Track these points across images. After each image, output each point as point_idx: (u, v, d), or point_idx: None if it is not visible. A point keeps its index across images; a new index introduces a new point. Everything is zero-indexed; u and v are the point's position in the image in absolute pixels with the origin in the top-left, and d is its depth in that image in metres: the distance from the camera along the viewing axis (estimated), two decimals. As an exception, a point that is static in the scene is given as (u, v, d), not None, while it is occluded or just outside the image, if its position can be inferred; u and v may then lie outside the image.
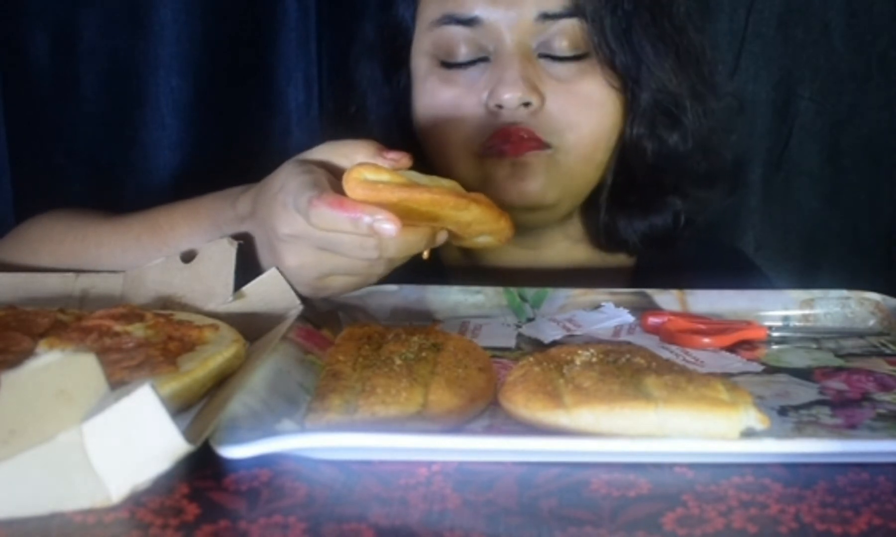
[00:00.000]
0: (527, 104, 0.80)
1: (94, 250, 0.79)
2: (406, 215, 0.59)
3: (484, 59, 0.83)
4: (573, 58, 0.83)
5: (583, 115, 0.83)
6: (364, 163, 0.61)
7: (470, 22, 0.82)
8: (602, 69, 0.83)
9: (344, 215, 0.58)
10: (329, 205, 0.58)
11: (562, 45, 0.82)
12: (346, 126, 0.93)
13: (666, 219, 0.91)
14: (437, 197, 0.60)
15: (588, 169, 0.86)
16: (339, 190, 0.61)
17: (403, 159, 0.65)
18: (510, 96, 0.80)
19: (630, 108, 0.86)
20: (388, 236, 0.57)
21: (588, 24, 0.81)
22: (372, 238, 0.59)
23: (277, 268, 0.68)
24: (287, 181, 0.64)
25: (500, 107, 0.81)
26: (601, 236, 0.92)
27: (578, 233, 0.94)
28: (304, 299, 0.69)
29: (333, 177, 0.64)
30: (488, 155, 0.82)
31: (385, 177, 0.59)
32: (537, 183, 0.82)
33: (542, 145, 0.82)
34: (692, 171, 0.90)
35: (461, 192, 0.63)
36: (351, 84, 0.95)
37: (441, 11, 0.84)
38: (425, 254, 0.66)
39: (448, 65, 0.84)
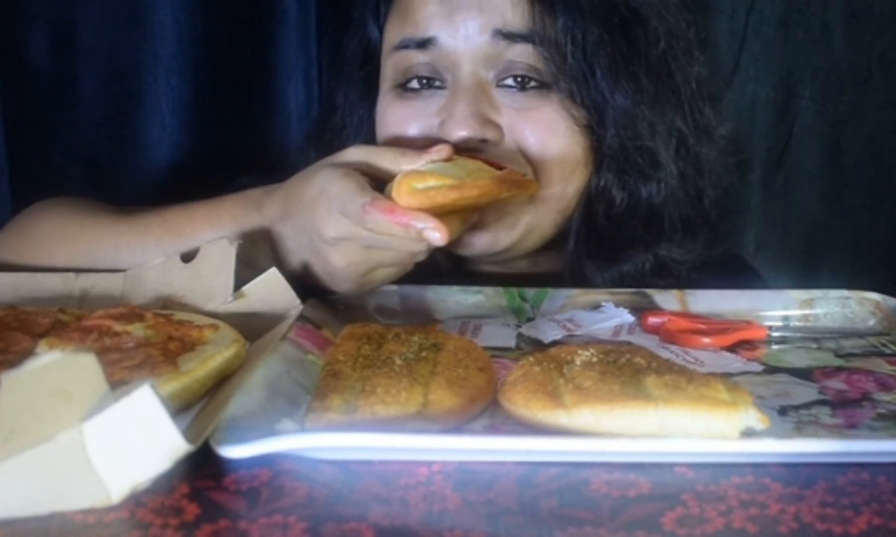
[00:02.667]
0: (483, 141, 0.77)
1: (111, 252, 0.78)
2: (450, 206, 0.64)
3: (441, 87, 0.81)
4: (532, 88, 0.78)
5: (546, 141, 0.78)
6: (408, 174, 0.65)
7: (426, 43, 0.80)
8: (562, 103, 0.78)
9: (396, 221, 0.62)
10: (382, 211, 0.62)
11: (519, 73, 0.78)
12: (331, 141, 0.89)
13: (637, 267, 0.84)
14: (485, 189, 0.64)
15: (549, 207, 0.80)
16: (378, 191, 0.65)
17: (444, 150, 0.69)
18: (458, 134, 0.76)
19: (597, 151, 0.80)
20: (435, 242, 0.62)
21: (547, 53, 0.78)
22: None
23: (316, 269, 0.70)
24: (328, 185, 0.66)
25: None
26: (568, 280, 0.84)
27: (557, 264, 0.89)
28: (303, 299, 0.69)
29: (370, 178, 0.67)
30: None
31: (432, 182, 0.64)
32: (487, 220, 0.78)
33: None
34: (668, 223, 0.83)
35: (503, 178, 0.67)
36: (334, 103, 0.93)
37: (400, 36, 0.82)
38: None
39: (408, 90, 0.82)
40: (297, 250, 0.71)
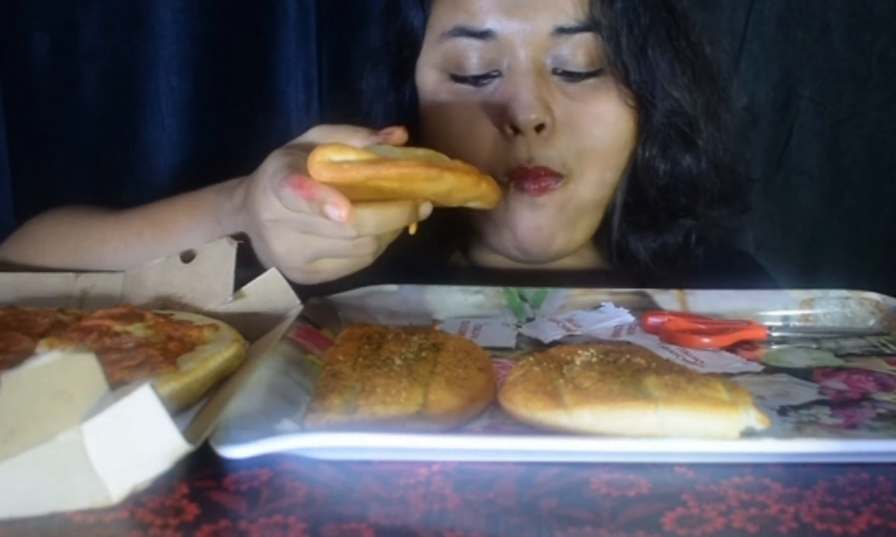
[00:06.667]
0: (541, 126, 0.78)
1: (97, 247, 0.79)
2: (380, 192, 0.58)
3: (496, 74, 0.81)
4: (587, 74, 0.81)
5: (595, 136, 0.81)
6: (329, 144, 0.58)
7: (482, 35, 0.80)
8: (617, 86, 0.81)
9: (301, 195, 0.56)
10: (291, 185, 0.56)
11: (576, 61, 0.80)
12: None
13: (678, 238, 0.89)
14: (406, 170, 0.57)
15: (598, 195, 0.84)
16: None
17: (396, 132, 0.63)
18: (525, 118, 0.78)
19: (643, 127, 0.84)
20: (334, 219, 0.55)
21: (603, 40, 0.80)
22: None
23: (265, 255, 0.67)
24: (267, 165, 0.63)
25: (514, 127, 0.79)
26: (612, 255, 0.90)
27: (583, 250, 0.92)
28: (303, 299, 0.69)
29: None
30: (511, 186, 0.81)
31: (350, 156, 0.57)
32: (548, 222, 0.82)
33: (557, 177, 0.81)
34: (706, 191, 0.88)
35: (432, 162, 0.60)
36: (355, 92, 0.93)
37: (452, 23, 0.82)
38: (412, 229, 0.65)
39: (458, 78, 0.82)
40: (254, 239, 0.70)
